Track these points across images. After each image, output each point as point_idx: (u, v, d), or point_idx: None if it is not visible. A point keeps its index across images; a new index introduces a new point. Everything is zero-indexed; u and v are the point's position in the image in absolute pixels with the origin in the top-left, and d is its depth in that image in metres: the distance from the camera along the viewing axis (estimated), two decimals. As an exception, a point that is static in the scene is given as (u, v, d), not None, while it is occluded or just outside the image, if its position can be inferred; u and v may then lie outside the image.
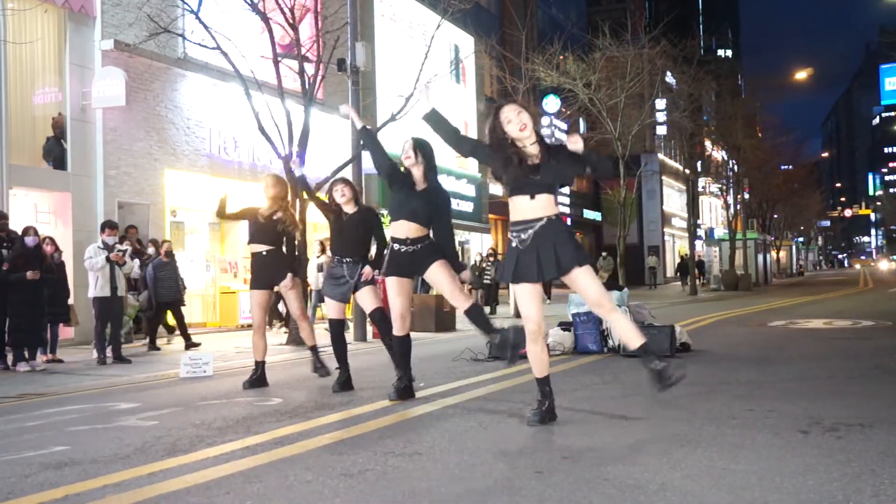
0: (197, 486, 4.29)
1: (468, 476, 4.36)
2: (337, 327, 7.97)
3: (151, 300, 14.24)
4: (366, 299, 7.80)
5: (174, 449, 5.31)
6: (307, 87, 15.02)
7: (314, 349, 9.04)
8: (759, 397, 6.71)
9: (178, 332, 14.63)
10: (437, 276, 6.84)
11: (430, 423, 5.95)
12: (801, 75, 43.07)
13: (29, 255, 11.35)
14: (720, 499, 3.82)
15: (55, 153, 16.06)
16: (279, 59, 14.91)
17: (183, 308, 14.81)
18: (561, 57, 27.54)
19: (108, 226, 12.47)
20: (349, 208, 7.85)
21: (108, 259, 11.86)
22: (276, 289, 8.83)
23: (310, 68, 15.29)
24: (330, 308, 7.95)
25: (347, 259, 7.75)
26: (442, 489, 4.11)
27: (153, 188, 17.68)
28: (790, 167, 56.99)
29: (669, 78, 39.06)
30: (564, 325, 11.24)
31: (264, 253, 8.56)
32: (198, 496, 4.11)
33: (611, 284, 11.76)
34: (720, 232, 56.51)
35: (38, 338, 11.65)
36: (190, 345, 13.76)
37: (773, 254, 60.77)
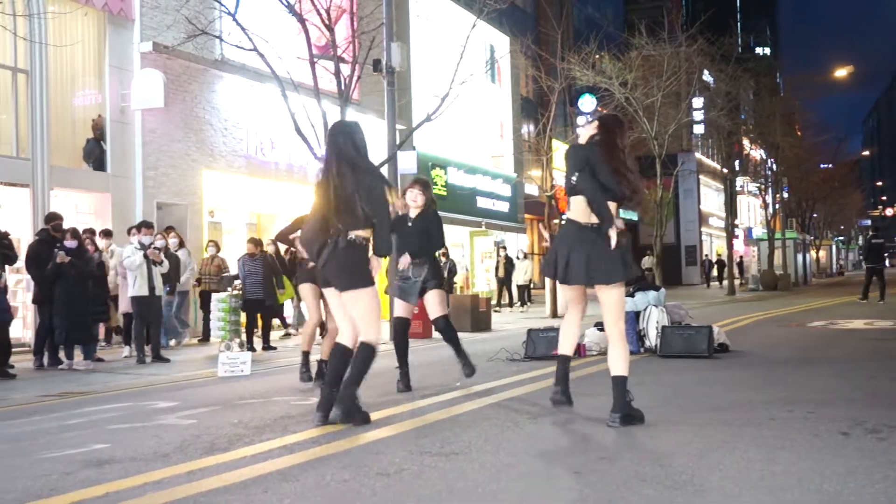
0: (235, 485, 4.32)
1: (505, 476, 4.35)
2: (402, 326, 8.05)
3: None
4: (432, 304, 7.91)
5: (212, 447, 5.35)
6: (343, 87, 15.07)
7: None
8: (798, 398, 6.63)
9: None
10: None
11: (467, 422, 5.95)
12: (842, 73, 42.47)
13: (72, 256, 11.49)
14: (759, 500, 3.78)
15: (95, 154, 16.25)
16: (315, 60, 14.96)
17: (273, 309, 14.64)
18: (597, 56, 27.40)
19: (145, 225, 12.61)
20: (415, 212, 7.95)
21: (145, 257, 11.98)
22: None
23: (346, 69, 15.33)
24: (397, 307, 8.06)
25: (415, 260, 7.86)
26: (479, 489, 4.10)
27: (191, 189, 17.84)
28: (830, 165, 56.21)
29: (707, 76, 38.71)
30: (601, 326, 11.17)
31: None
32: (236, 494, 4.14)
33: (647, 285, 11.66)
34: (759, 231, 55.89)
35: (89, 334, 11.80)
36: (267, 347, 13.79)
37: (813, 253, 60.04)
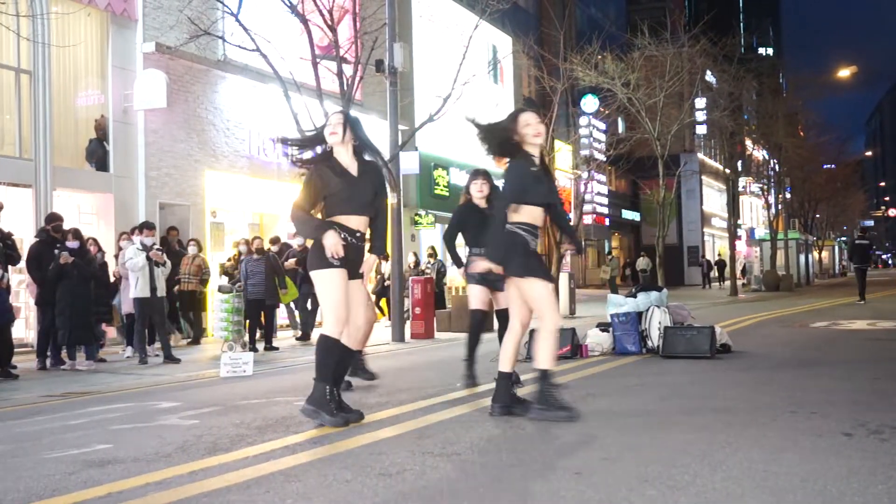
0: (237, 485, 4.32)
1: (507, 476, 4.35)
2: (481, 318, 8.02)
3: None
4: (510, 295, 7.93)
5: (215, 448, 5.35)
6: (346, 88, 15.08)
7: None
8: (801, 399, 6.62)
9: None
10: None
11: (469, 423, 5.94)
12: (845, 73, 42.42)
13: (74, 256, 11.50)
14: (762, 501, 3.77)
15: (98, 155, 16.27)
16: (318, 60, 14.98)
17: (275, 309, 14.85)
18: (599, 56, 27.39)
19: (146, 226, 12.62)
20: (482, 203, 7.97)
21: (147, 258, 11.99)
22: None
23: (348, 69, 15.34)
24: (476, 298, 7.99)
25: None
26: (480, 489, 4.10)
27: (193, 189, 17.85)
28: (833, 166, 56.20)
29: (709, 77, 38.70)
30: (603, 326, 11.18)
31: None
32: (238, 494, 4.14)
33: (649, 286, 11.65)
34: (761, 232, 55.89)
35: (91, 335, 11.81)
36: (270, 348, 13.82)
37: (815, 254, 60.02)
